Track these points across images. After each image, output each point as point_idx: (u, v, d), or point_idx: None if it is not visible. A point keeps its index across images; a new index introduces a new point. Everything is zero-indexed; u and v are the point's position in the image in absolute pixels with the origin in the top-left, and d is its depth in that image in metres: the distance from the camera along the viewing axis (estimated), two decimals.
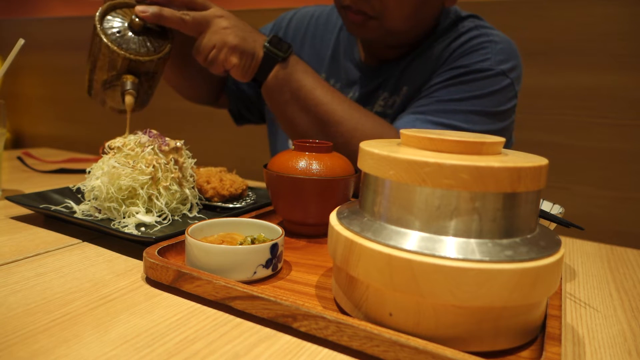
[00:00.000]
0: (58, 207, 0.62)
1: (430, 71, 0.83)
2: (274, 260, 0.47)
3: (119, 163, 0.59)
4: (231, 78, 1.01)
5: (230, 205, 0.68)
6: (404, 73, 0.86)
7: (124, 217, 0.59)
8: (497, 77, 0.78)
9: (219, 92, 1.02)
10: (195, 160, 0.68)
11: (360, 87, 0.91)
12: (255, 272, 0.46)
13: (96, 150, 0.75)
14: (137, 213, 0.58)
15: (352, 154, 0.63)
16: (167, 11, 0.68)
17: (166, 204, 0.61)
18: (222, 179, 0.70)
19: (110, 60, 0.68)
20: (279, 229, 0.50)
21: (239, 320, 0.40)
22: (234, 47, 0.68)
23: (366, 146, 0.40)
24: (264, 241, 0.49)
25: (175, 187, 0.62)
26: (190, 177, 0.66)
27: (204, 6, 0.71)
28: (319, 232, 0.61)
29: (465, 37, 0.82)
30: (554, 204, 0.60)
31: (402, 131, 0.41)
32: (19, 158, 1.03)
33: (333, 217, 0.43)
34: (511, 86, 0.80)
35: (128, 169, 0.59)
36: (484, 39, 0.81)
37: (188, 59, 0.84)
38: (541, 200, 0.56)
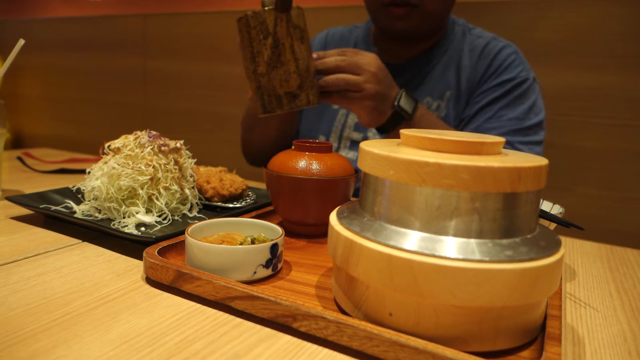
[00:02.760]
0: (58, 207, 0.62)
1: (454, 76, 0.91)
2: (274, 260, 0.47)
3: (118, 164, 0.59)
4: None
5: (230, 205, 0.68)
6: (418, 75, 0.93)
7: (124, 217, 0.59)
8: (534, 84, 0.89)
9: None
10: (195, 160, 0.68)
11: None
12: (255, 272, 0.46)
13: (96, 150, 0.75)
14: (137, 213, 0.58)
15: None
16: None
17: (166, 204, 0.61)
18: (222, 179, 0.70)
19: (261, 31, 0.65)
20: (279, 229, 0.50)
21: (239, 320, 0.40)
22: (373, 95, 0.70)
23: (366, 146, 0.40)
24: (264, 241, 0.49)
25: (175, 187, 0.62)
26: (190, 177, 0.66)
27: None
28: (319, 232, 0.61)
29: (493, 49, 0.91)
30: (554, 204, 0.60)
31: (402, 131, 0.41)
32: (19, 158, 1.03)
33: (333, 217, 0.43)
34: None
35: (128, 170, 0.59)
36: (510, 49, 0.91)
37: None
38: (541, 200, 0.56)
